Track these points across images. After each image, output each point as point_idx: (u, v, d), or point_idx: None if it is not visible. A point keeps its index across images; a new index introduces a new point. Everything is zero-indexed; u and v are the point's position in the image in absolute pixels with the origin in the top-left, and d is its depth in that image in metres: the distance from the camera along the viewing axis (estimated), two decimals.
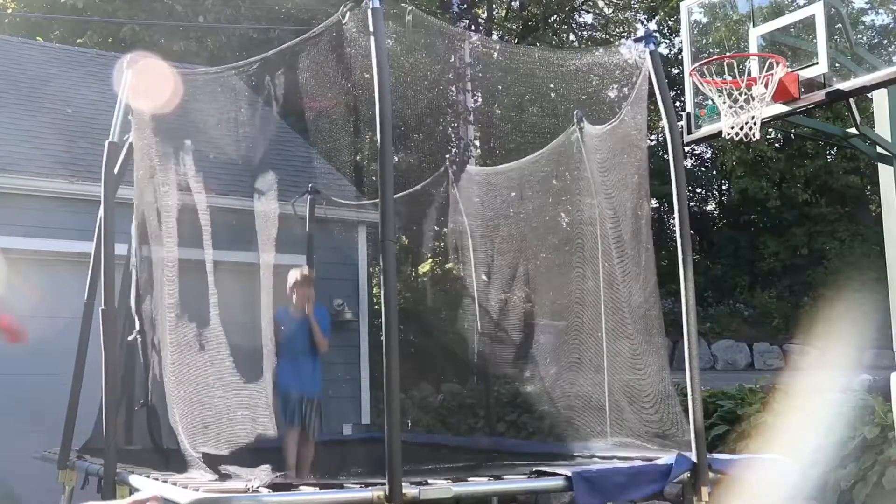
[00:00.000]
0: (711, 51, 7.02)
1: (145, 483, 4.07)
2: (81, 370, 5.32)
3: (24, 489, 5.98)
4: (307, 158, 8.88)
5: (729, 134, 5.46)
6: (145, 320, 5.08)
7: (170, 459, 4.49)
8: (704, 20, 7.24)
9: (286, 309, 5.86)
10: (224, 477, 3.88)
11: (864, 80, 5.39)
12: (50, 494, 5.47)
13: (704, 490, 4.10)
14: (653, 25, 18.80)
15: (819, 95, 5.41)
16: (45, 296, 6.81)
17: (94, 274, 5.20)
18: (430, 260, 12.49)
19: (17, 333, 4.70)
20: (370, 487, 3.55)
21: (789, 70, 5.45)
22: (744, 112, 5.33)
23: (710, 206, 19.76)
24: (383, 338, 3.69)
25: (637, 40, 4.72)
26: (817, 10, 5.43)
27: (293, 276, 5.94)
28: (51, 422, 5.44)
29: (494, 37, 18.08)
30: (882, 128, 5.86)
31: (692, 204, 18.52)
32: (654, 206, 15.46)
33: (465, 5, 16.94)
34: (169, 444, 4.75)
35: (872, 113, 6.14)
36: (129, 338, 5.10)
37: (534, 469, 4.20)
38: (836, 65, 5.57)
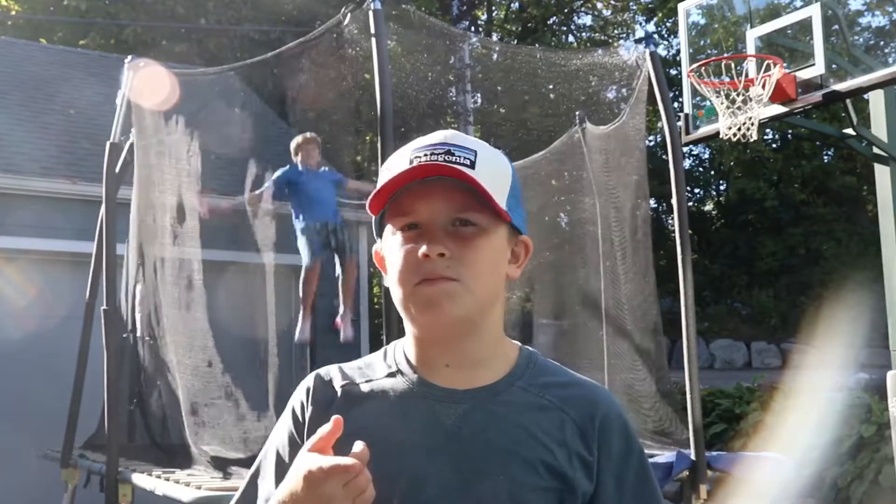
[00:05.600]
0: (709, 52, 7.07)
1: (148, 482, 4.11)
2: (83, 369, 5.36)
3: (25, 488, 6.01)
4: None
5: (727, 134, 5.50)
6: (142, 320, 5.11)
7: (171, 456, 4.52)
8: (702, 21, 7.29)
9: (293, 166, 5.94)
10: (227, 475, 3.92)
11: (860, 81, 5.43)
12: (50, 493, 5.50)
13: (703, 488, 4.13)
14: (651, 27, 18.85)
15: (816, 96, 5.45)
16: (46, 296, 6.85)
17: (96, 274, 5.23)
18: None
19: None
20: None
21: (786, 71, 5.48)
22: (741, 113, 5.37)
23: (708, 206, 19.79)
24: (384, 337, 3.73)
25: (638, 41, 4.79)
26: (814, 12, 5.47)
27: (295, 140, 6.03)
28: (51, 420, 5.47)
29: (494, 38, 18.12)
30: (878, 128, 5.90)
31: (690, 204, 18.54)
32: (653, 205, 15.49)
33: (465, 7, 16.98)
34: (169, 440, 4.78)
35: (869, 114, 6.18)
36: (124, 335, 5.13)
37: None
38: (833, 66, 5.61)
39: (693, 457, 4.14)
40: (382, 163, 3.82)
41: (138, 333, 5.16)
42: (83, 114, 8.48)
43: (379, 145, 3.87)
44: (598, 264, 5.72)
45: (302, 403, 1.11)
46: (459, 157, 1.04)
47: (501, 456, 1.02)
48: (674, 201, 4.45)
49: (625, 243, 5.41)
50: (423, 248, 1.01)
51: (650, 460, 4.40)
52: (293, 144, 6.03)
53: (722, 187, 19.67)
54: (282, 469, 1.07)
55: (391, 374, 1.10)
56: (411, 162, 1.04)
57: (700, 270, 16.19)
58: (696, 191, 19.58)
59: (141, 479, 4.18)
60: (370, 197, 1.05)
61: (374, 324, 8.76)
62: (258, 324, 5.61)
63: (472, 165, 1.04)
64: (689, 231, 4.57)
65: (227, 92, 6.91)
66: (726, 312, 15.91)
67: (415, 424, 1.04)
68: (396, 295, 1.06)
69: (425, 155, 1.04)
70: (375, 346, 8.45)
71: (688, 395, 4.22)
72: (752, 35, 5.93)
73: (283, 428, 1.13)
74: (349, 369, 1.13)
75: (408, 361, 1.10)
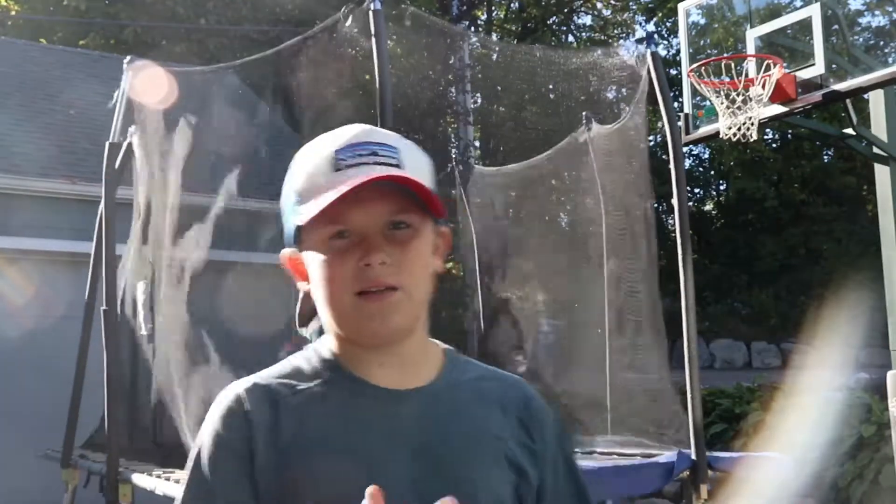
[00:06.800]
0: (709, 52, 7.07)
1: (148, 482, 4.11)
2: (83, 369, 5.36)
3: (24, 488, 6.01)
4: None
5: (727, 134, 5.50)
6: (145, 320, 5.11)
7: (172, 457, 4.52)
8: (702, 21, 7.29)
9: None
10: None
11: (860, 81, 5.43)
12: (50, 493, 5.50)
13: (703, 488, 4.13)
14: (651, 27, 18.85)
15: (816, 96, 5.46)
16: (45, 295, 6.85)
17: (95, 274, 5.23)
18: None
19: None
20: None
21: (786, 71, 5.49)
22: (741, 113, 5.37)
23: (708, 206, 19.81)
24: None
25: (638, 41, 4.78)
26: (814, 12, 5.48)
27: None
28: (49, 420, 5.47)
29: (494, 38, 18.12)
30: (878, 128, 5.90)
31: (690, 204, 18.56)
32: (653, 205, 15.49)
33: (465, 7, 16.98)
34: (170, 439, 4.78)
35: (869, 113, 6.19)
36: (143, 332, 5.11)
37: None
38: (833, 66, 5.62)
39: (693, 457, 4.14)
40: None
41: (142, 332, 5.16)
42: (83, 114, 8.48)
43: None
44: (599, 264, 5.73)
45: (241, 431, 1.00)
46: (386, 156, 1.01)
47: (466, 453, 1.02)
48: (674, 201, 4.45)
49: (626, 243, 5.41)
50: (365, 259, 0.98)
51: (650, 460, 4.40)
52: None
53: (722, 187, 19.68)
54: None
55: (326, 380, 1.03)
56: (338, 166, 1.00)
57: (700, 270, 16.17)
58: (696, 191, 19.60)
59: (141, 479, 4.18)
60: (313, 214, 0.98)
61: None
62: (258, 323, 5.61)
63: (400, 164, 1.01)
64: (690, 231, 4.57)
65: (225, 91, 6.91)
66: (726, 312, 15.92)
67: (372, 428, 1.00)
68: (331, 307, 1.01)
69: (352, 157, 1.00)
70: None
71: (688, 395, 4.22)
72: (752, 35, 5.94)
73: (221, 466, 1.00)
74: (276, 380, 1.04)
75: (338, 364, 1.04)
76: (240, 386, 1.04)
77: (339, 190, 0.97)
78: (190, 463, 1.03)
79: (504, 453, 1.04)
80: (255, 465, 0.98)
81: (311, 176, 1.02)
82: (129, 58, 5.25)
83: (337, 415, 1.01)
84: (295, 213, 1.03)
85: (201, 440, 1.03)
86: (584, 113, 5.99)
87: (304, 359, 1.07)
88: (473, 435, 1.03)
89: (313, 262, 1.02)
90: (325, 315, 1.04)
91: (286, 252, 1.08)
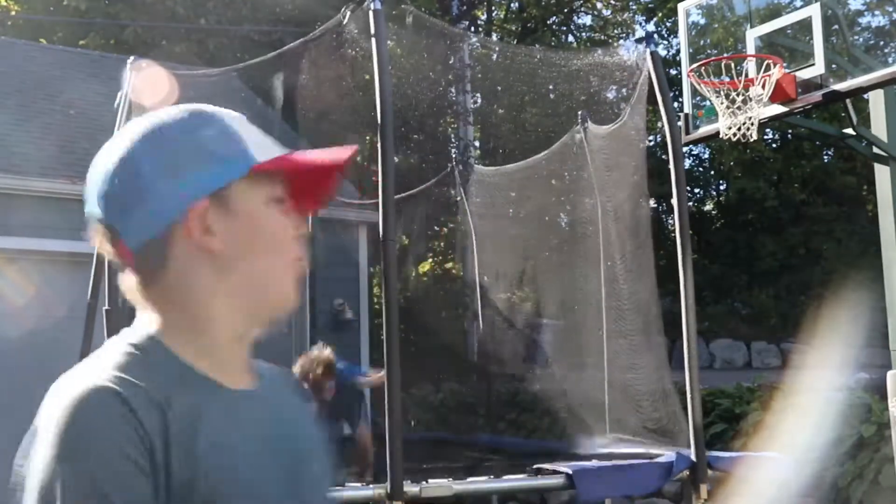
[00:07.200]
0: (709, 52, 7.07)
1: None
2: None
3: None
4: None
5: (727, 134, 5.50)
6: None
7: None
8: (702, 21, 7.29)
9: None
10: None
11: (860, 81, 5.43)
12: None
13: (703, 488, 4.14)
14: (651, 27, 18.85)
15: (816, 96, 5.45)
16: (45, 295, 6.85)
17: (97, 274, 5.24)
18: (431, 260, 12.55)
19: None
20: (372, 485, 3.60)
21: (786, 71, 5.49)
22: (741, 113, 5.37)
23: (708, 206, 19.80)
24: (384, 337, 3.74)
25: (638, 41, 4.80)
26: (814, 12, 5.47)
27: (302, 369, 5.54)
28: None
29: (494, 38, 18.12)
30: (878, 128, 5.90)
31: (690, 204, 18.54)
32: (653, 205, 15.49)
33: (465, 7, 16.98)
34: None
35: (869, 113, 6.19)
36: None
37: (534, 467, 4.24)
38: (833, 66, 5.61)
39: (693, 457, 4.14)
40: (383, 164, 3.84)
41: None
42: (83, 114, 8.48)
43: (379, 145, 3.87)
44: (598, 264, 5.73)
45: (139, 440, 0.84)
46: None
47: (312, 451, 1.03)
48: (674, 201, 4.46)
49: (625, 243, 5.42)
50: (301, 228, 1.00)
51: (650, 460, 4.41)
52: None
53: (722, 187, 19.67)
54: None
55: (186, 384, 0.92)
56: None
57: (700, 270, 16.17)
58: (696, 191, 19.58)
59: None
60: (281, 156, 0.99)
61: (374, 324, 8.76)
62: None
63: None
64: (689, 231, 4.58)
65: (227, 92, 6.92)
66: (726, 312, 15.91)
67: (248, 432, 0.94)
68: (271, 268, 0.96)
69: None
70: (375, 346, 8.48)
71: (688, 395, 4.23)
72: (752, 35, 5.93)
73: (127, 487, 0.83)
74: (141, 382, 0.88)
75: (186, 364, 0.94)
76: (112, 385, 0.86)
77: (338, 149, 0.99)
78: (60, 490, 0.82)
79: (323, 446, 1.07)
80: (164, 482, 0.85)
81: (246, 131, 1.02)
82: (132, 58, 5.26)
83: (219, 423, 0.92)
84: (234, 160, 0.96)
85: (86, 459, 0.83)
86: (580, 112, 6.01)
87: (145, 358, 0.93)
88: (308, 432, 1.05)
89: (254, 218, 0.97)
90: (249, 287, 0.96)
91: (201, 200, 0.94)
